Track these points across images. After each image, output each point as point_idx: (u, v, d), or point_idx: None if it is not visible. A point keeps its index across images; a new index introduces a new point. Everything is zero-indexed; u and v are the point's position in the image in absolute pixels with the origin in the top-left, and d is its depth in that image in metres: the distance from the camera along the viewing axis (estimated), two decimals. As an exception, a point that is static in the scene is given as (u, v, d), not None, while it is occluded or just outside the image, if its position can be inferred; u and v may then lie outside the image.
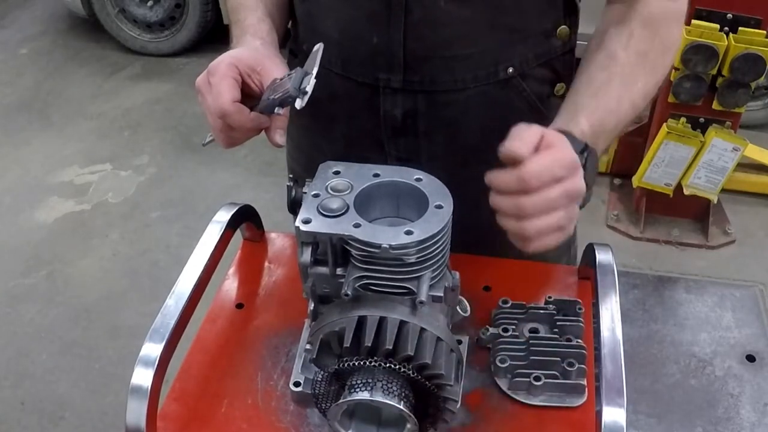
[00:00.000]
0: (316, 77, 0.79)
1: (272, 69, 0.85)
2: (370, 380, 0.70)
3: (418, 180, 0.78)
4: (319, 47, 0.82)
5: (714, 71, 2.38)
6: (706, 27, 2.33)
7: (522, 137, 0.74)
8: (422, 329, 0.72)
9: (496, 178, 0.75)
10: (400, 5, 0.90)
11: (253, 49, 0.89)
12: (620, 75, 0.87)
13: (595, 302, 0.86)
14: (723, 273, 2.71)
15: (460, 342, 0.87)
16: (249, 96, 0.84)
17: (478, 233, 1.11)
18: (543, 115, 1.01)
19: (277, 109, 0.80)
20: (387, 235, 0.71)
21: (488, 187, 1.08)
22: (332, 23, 0.97)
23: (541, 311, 0.90)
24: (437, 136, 1.01)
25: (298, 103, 0.78)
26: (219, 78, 0.82)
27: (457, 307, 0.85)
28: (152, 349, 0.78)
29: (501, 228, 1.12)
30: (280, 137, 0.85)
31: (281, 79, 0.82)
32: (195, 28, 4.01)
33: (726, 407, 2.18)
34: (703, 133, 2.56)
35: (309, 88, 0.78)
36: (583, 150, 0.80)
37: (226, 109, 0.81)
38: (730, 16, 2.34)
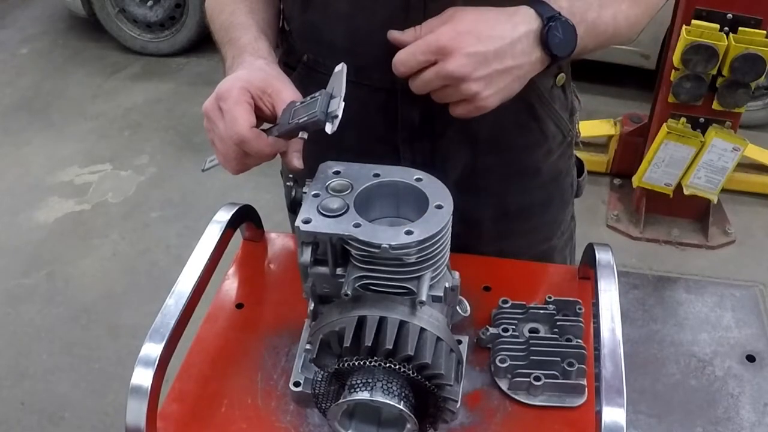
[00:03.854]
0: (344, 99, 0.77)
1: (283, 90, 0.83)
2: (370, 380, 0.70)
3: (418, 180, 0.78)
4: (342, 68, 0.79)
5: (714, 71, 2.38)
6: (706, 27, 2.33)
7: (412, 29, 0.85)
8: (422, 329, 0.72)
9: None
10: (418, 8, 0.91)
11: (259, 69, 0.87)
12: None
13: (595, 302, 0.85)
14: (723, 273, 2.71)
15: (460, 342, 0.87)
16: (260, 119, 0.83)
17: (482, 230, 1.12)
18: (548, 104, 1.04)
19: (301, 133, 0.77)
20: (387, 235, 0.71)
21: (497, 181, 1.09)
22: (342, 32, 0.97)
23: (541, 311, 0.90)
24: (452, 134, 1.01)
25: (329, 128, 0.75)
26: (232, 103, 0.80)
27: (457, 307, 0.85)
28: (152, 349, 0.78)
29: (504, 228, 1.13)
30: (297, 161, 0.85)
31: (301, 103, 0.79)
32: (195, 28, 4.01)
33: (726, 407, 2.18)
34: (703, 133, 2.56)
35: (339, 112, 0.75)
36: (552, 18, 0.83)
37: (245, 136, 0.79)
38: (730, 16, 2.34)
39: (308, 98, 0.79)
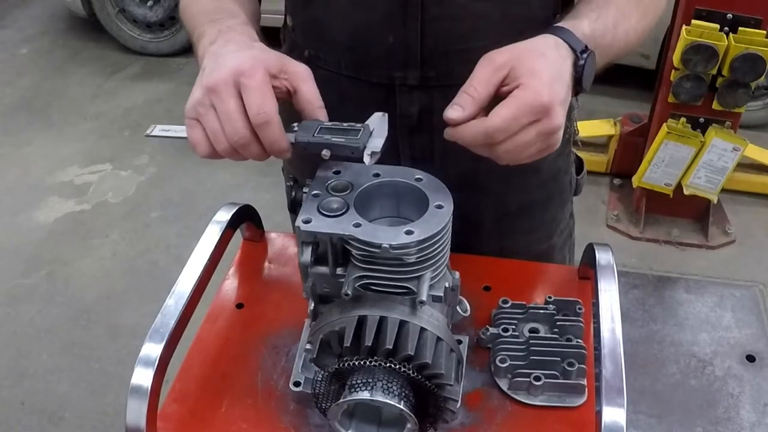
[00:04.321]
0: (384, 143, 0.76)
1: (300, 71, 0.79)
2: (370, 380, 0.70)
3: (418, 180, 0.78)
4: (384, 115, 0.78)
5: (714, 71, 2.38)
6: (706, 27, 2.33)
7: (463, 99, 0.76)
8: (422, 329, 0.72)
9: (463, 132, 0.76)
10: (416, 4, 0.91)
11: (266, 50, 0.82)
12: (616, 5, 0.90)
13: (595, 302, 0.85)
14: (723, 273, 2.71)
15: (460, 342, 0.88)
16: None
17: (482, 229, 1.12)
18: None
19: (325, 151, 0.76)
20: (387, 234, 0.71)
21: (497, 179, 1.07)
22: (341, 27, 0.97)
23: (541, 311, 0.90)
24: None
25: (367, 160, 0.75)
26: (260, 82, 0.75)
27: (457, 307, 0.85)
28: (152, 349, 0.78)
29: (504, 227, 1.13)
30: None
31: (333, 124, 0.77)
32: (195, 28, 4.01)
33: (726, 407, 2.18)
34: (703, 133, 2.56)
35: (378, 151, 0.75)
36: (584, 50, 0.81)
37: (274, 118, 0.74)
38: (730, 16, 2.34)
39: (343, 123, 0.77)
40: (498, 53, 0.77)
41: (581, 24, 0.84)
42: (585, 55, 0.81)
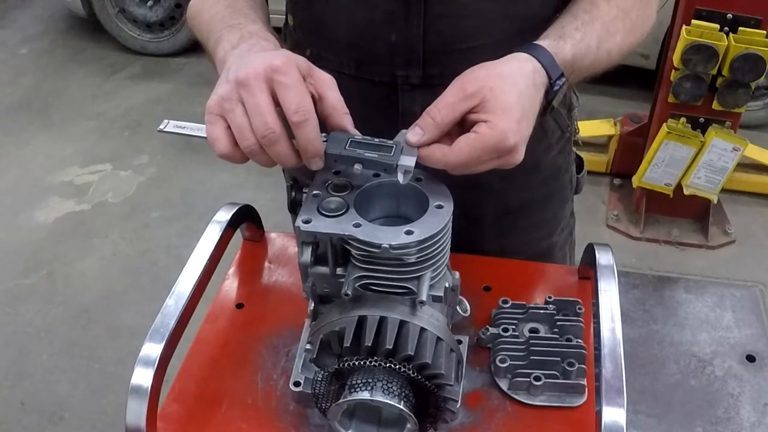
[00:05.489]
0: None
1: (324, 78, 0.76)
2: (370, 380, 0.70)
3: (418, 180, 0.78)
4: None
5: (714, 71, 2.38)
6: (706, 27, 2.33)
7: (426, 122, 0.75)
8: (422, 329, 0.72)
9: (423, 160, 0.75)
10: (419, 2, 0.91)
11: (290, 53, 0.79)
12: (602, 21, 0.89)
13: (595, 302, 0.85)
14: (723, 273, 2.71)
15: (460, 342, 0.88)
16: None
17: (483, 226, 1.12)
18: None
19: (357, 165, 0.74)
20: (387, 234, 0.71)
21: (498, 177, 1.09)
22: (343, 26, 0.97)
23: (541, 311, 0.90)
24: None
25: (401, 178, 0.74)
26: (295, 80, 0.72)
27: (457, 307, 0.85)
28: (152, 349, 0.78)
29: (505, 225, 1.13)
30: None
31: (363, 138, 0.76)
32: (195, 28, 4.01)
33: (726, 407, 2.18)
34: (703, 133, 2.56)
35: (411, 169, 0.74)
36: (560, 76, 0.81)
37: (312, 117, 0.71)
38: (730, 16, 2.35)
39: (373, 139, 0.76)
40: (471, 79, 0.76)
41: (564, 47, 0.84)
42: (560, 82, 0.81)
